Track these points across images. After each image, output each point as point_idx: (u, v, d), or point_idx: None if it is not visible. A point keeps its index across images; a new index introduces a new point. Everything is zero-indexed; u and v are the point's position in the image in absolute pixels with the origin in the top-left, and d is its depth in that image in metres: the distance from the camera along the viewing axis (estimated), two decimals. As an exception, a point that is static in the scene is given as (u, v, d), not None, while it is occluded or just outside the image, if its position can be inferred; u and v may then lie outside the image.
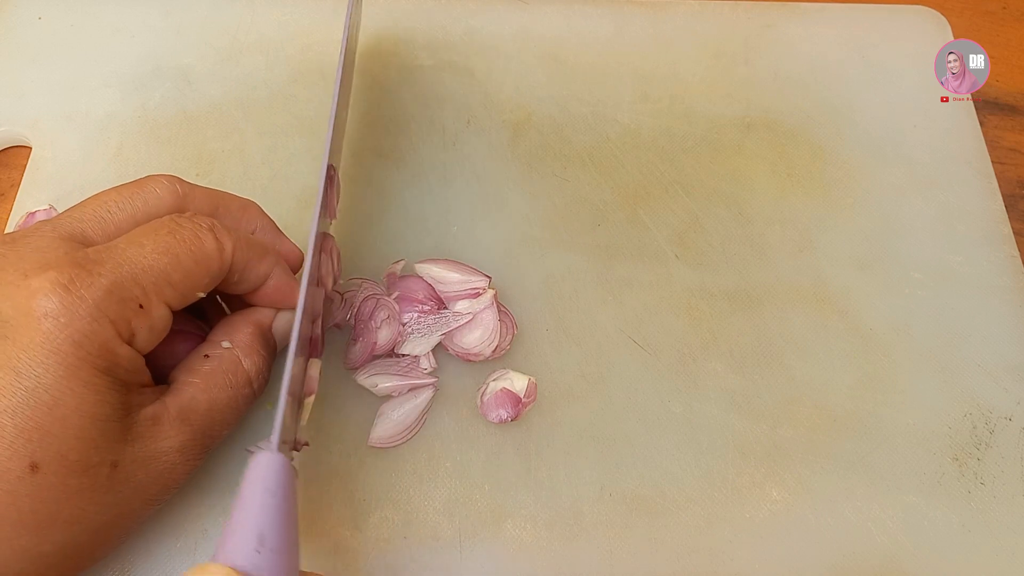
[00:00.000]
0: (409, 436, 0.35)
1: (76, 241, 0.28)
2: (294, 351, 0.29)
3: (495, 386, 0.36)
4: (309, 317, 0.32)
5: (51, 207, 0.39)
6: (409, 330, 0.37)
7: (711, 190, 0.43)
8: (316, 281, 0.33)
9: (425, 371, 0.36)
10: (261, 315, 0.33)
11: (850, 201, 0.43)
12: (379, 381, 0.36)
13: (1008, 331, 0.40)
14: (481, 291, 0.37)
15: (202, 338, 0.33)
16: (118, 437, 0.26)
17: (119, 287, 0.26)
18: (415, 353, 0.36)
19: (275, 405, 0.28)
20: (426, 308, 0.37)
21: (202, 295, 0.30)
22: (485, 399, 0.36)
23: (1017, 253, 0.42)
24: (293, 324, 0.30)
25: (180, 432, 0.28)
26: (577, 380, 0.38)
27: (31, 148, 0.43)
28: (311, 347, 0.34)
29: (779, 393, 0.38)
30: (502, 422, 0.36)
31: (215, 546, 0.23)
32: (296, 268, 0.34)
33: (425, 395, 0.36)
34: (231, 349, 0.31)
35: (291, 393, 0.29)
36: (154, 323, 0.28)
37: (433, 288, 0.38)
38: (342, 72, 0.37)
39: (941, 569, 0.34)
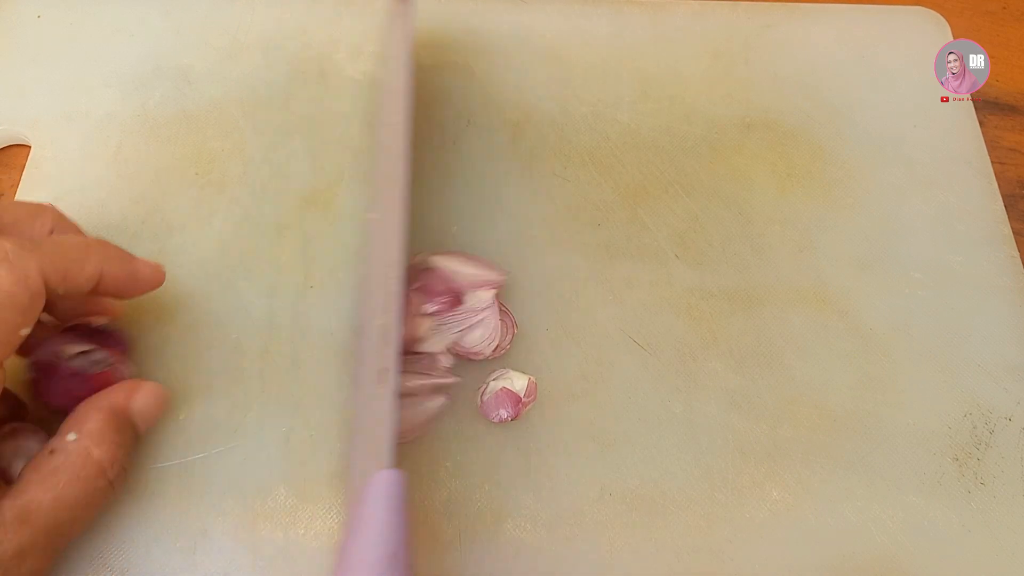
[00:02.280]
0: (413, 438, 0.35)
1: None
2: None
3: (495, 386, 0.36)
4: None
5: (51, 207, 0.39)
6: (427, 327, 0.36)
7: (711, 190, 0.43)
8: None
9: (447, 368, 0.36)
10: (114, 398, 0.31)
11: (850, 201, 0.43)
12: (404, 380, 0.36)
13: (1008, 331, 0.40)
14: (498, 284, 0.38)
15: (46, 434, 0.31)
16: None
17: None
18: (432, 351, 0.36)
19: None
20: (445, 300, 0.37)
21: (26, 331, 0.27)
22: (485, 399, 0.36)
23: (1017, 253, 0.42)
24: (158, 394, 0.28)
25: (16, 535, 0.26)
26: (577, 380, 0.38)
27: (31, 148, 0.43)
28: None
29: (779, 393, 0.38)
30: (502, 422, 0.36)
31: (335, 568, 0.23)
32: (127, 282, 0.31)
33: (437, 401, 0.36)
34: (78, 440, 0.29)
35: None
36: None
37: (452, 281, 0.38)
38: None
39: (941, 569, 0.34)
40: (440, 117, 0.45)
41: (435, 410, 0.36)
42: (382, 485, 0.24)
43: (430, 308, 0.36)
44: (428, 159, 0.44)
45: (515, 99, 0.46)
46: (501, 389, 0.36)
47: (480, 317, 0.37)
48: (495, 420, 0.36)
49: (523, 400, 0.36)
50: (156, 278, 0.32)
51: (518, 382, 0.36)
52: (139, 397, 0.31)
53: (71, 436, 0.29)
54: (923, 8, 0.50)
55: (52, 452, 0.29)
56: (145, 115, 0.44)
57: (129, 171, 0.42)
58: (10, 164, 0.44)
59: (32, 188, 0.41)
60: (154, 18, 0.48)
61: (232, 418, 0.35)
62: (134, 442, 0.31)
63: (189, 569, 0.32)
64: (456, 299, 0.37)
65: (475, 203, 0.42)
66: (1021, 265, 0.41)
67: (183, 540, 0.33)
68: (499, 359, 0.37)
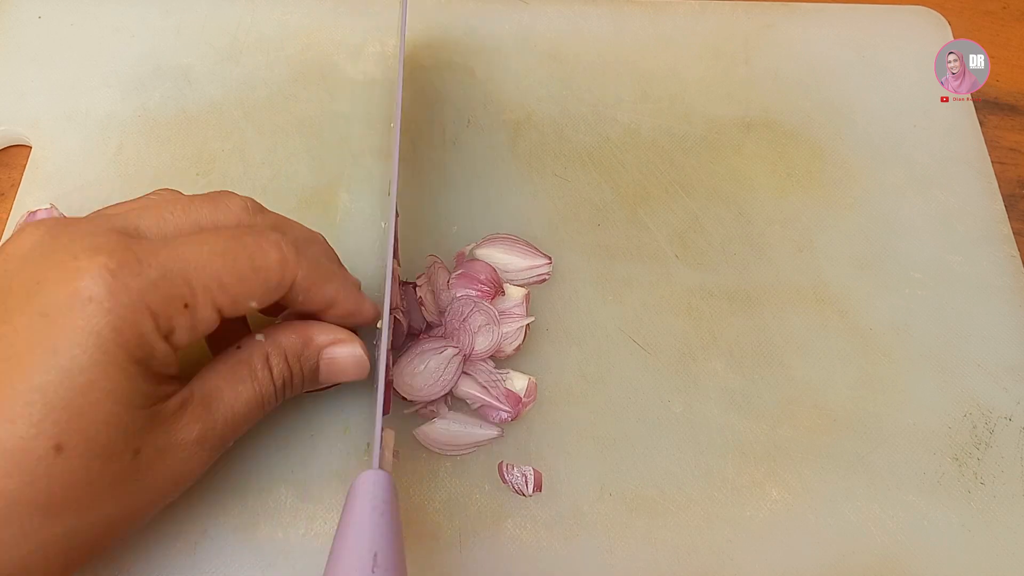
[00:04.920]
0: (451, 453, 0.35)
1: (128, 234, 0.27)
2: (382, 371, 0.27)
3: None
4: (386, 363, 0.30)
5: (52, 206, 0.39)
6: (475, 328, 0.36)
7: (711, 190, 0.43)
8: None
9: (520, 392, 0.36)
10: (316, 332, 0.32)
11: (850, 201, 0.43)
12: (461, 384, 0.36)
13: (1008, 331, 0.40)
14: (547, 276, 0.39)
15: None
16: (144, 425, 0.26)
17: (167, 282, 0.26)
18: (480, 350, 0.36)
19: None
20: (486, 290, 0.37)
21: (255, 306, 0.29)
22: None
23: (1017, 253, 0.42)
24: (357, 358, 0.29)
25: (201, 420, 0.28)
26: (577, 380, 0.38)
27: (31, 148, 0.43)
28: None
29: (779, 393, 0.38)
30: (502, 422, 0.36)
31: (325, 570, 0.23)
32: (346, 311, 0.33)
33: (491, 432, 0.35)
34: (262, 343, 0.30)
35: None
36: (196, 324, 0.27)
37: (496, 272, 0.37)
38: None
39: (941, 569, 0.34)
40: (440, 117, 0.45)
41: (485, 439, 0.35)
42: (364, 486, 0.24)
43: (462, 292, 0.36)
44: (428, 159, 0.44)
45: (515, 99, 0.46)
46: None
47: (518, 320, 0.37)
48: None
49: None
50: (375, 317, 0.34)
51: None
52: (338, 348, 0.32)
53: (259, 336, 0.31)
54: (923, 8, 0.50)
55: (239, 347, 0.30)
56: (145, 115, 0.44)
57: (129, 171, 0.42)
58: (10, 164, 0.44)
59: (32, 188, 0.42)
60: (154, 18, 0.48)
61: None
62: (308, 380, 0.32)
63: (189, 569, 0.32)
64: (498, 289, 0.37)
65: (475, 203, 0.42)
66: (1021, 265, 0.41)
67: (183, 540, 0.33)
68: (500, 359, 0.37)
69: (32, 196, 0.41)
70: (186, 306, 0.26)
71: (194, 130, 0.44)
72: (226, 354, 0.30)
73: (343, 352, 0.32)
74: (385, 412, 0.35)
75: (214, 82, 0.46)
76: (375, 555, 0.22)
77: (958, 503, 0.35)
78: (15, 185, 0.42)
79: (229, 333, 0.31)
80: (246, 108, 0.45)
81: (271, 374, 0.30)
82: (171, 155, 0.43)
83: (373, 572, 0.22)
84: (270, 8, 0.48)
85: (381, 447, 0.26)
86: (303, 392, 0.33)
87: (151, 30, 0.47)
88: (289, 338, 0.31)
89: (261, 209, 0.31)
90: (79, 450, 0.24)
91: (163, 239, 0.28)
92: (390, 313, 0.32)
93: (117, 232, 0.27)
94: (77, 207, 0.40)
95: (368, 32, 0.47)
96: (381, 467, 0.24)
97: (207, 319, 0.27)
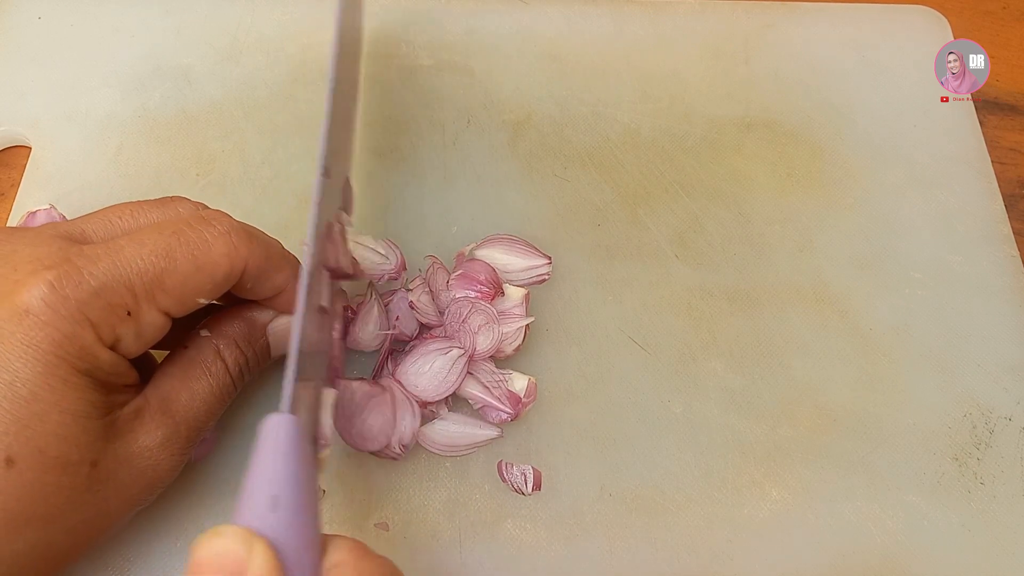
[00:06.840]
0: (449, 454, 0.35)
1: (73, 240, 0.27)
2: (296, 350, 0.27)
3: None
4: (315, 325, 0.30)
5: (52, 207, 0.39)
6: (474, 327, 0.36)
7: (711, 190, 0.43)
8: (321, 292, 0.31)
9: (520, 392, 0.36)
10: (257, 312, 0.32)
11: (850, 201, 0.43)
12: (464, 384, 0.35)
13: (1008, 331, 0.40)
14: (546, 276, 0.39)
15: None
16: (100, 435, 0.26)
17: (107, 291, 0.26)
18: (481, 349, 0.36)
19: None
20: (485, 290, 0.36)
21: (204, 302, 0.28)
22: (485, 399, 0.36)
23: (1017, 253, 0.42)
24: (292, 328, 0.29)
25: (161, 425, 0.28)
26: (577, 380, 0.38)
27: (31, 148, 0.43)
28: (329, 373, 0.32)
29: (779, 393, 0.38)
30: (502, 422, 0.36)
31: (233, 511, 0.23)
32: None
33: (490, 432, 0.35)
34: (209, 338, 0.31)
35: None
36: (142, 330, 0.27)
37: (495, 272, 0.37)
38: (339, 71, 0.36)
39: (941, 569, 0.34)
40: (440, 117, 0.45)
41: (485, 439, 0.35)
42: (267, 429, 0.23)
43: (461, 293, 0.36)
44: (428, 159, 0.44)
45: (515, 99, 0.46)
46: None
47: (518, 320, 0.36)
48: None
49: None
50: None
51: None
52: (280, 320, 0.32)
53: (204, 332, 0.31)
54: (923, 8, 0.50)
55: (186, 347, 0.30)
56: (145, 115, 0.44)
57: (129, 171, 0.42)
58: (10, 164, 0.44)
59: (32, 188, 0.42)
60: (154, 18, 0.48)
61: (232, 417, 0.35)
62: (262, 358, 0.32)
63: (189, 569, 0.32)
64: (497, 289, 0.37)
65: (475, 203, 0.42)
66: (1021, 265, 0.41)
67: (183, 540, 0.33)
68: (500, 359, 0.37)
69: (32, 196, 0.41)
70: (129, 314, 0.26)
71: (194, 130, 0.44)
72: (175, 356, 0.30)
73: (286, 322, 0.32)
74: (337, 377, 0.35)
75: (214, 82, 0.46)
76: (275, 497, 0.22)
77: (958, 503, 0.35)
78: (15, 185, 0.42)
79: (179, 329, 0.31)
80: (246, 108, 0.45)
81: (226, 366, 0.30)
82: (171, 155, 0.43)
83: (273, 512, 0.22)
84: (270, 8, 0.48)
85: (293, 392, 0.25)
86: (258, 372, 0.33)
87: (151, 30, 0.47)
88: (234, 326, 0.31)
89: (209, 210, 0.31)
90: (30, 463, 0.24)
91: (108, 242, 0.27)
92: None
93: (60, 239, 0.27)
94: (77, 207, 0.40)
95: (367, 32, 0.47)
96: (292, 412, 0.24)
97: (154, 323, 0.27)
